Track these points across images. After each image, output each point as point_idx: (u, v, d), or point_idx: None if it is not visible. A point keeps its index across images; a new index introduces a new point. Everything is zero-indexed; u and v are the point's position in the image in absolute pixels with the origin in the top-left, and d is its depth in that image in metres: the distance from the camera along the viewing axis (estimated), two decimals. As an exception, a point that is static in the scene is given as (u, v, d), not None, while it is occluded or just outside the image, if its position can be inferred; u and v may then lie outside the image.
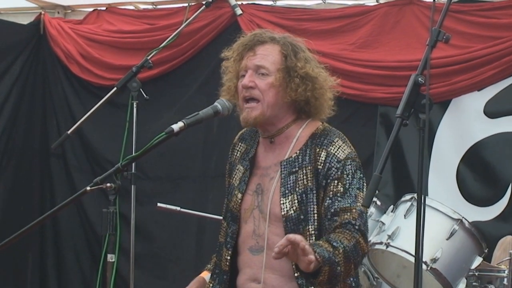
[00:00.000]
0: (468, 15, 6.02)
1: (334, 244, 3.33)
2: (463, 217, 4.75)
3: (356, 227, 3.41)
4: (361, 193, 3.46)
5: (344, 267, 3.34)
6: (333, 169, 3.48)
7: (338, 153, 3.50)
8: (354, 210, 3.42)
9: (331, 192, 3.46)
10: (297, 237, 3.17)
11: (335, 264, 3.30)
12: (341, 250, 3.32)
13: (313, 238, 3.44)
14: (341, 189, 3.45)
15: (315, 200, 3.47)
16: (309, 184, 3.48)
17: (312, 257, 3.18)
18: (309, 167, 3.50)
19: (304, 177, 3.49)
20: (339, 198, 3.44)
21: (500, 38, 5.92)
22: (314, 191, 3.48)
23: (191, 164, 6.91)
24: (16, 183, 7.24)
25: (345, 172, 3.47)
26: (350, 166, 3.49)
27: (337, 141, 3.53)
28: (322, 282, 3.32)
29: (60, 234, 7.25)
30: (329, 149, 3.51)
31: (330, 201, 3.45)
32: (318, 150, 3.52)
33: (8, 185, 7.22)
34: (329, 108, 3.63)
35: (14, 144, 7.22)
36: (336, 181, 3.47)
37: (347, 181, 3.46)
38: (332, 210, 3.43)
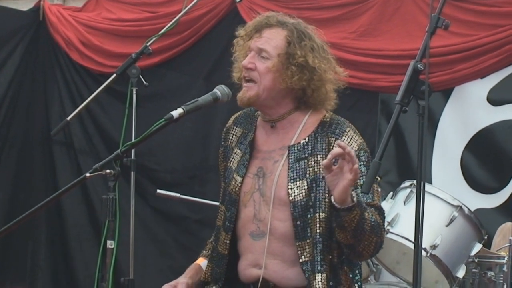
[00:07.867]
0: (469, 4, 6.02)
1: (367, 207, 3.35)
2: (462, 204, 4.75)
3: (382, 217, 3.44)
4: (375, 185, 3.44)
5: (369, 229, 3.33)
6: None
7: (351, 144, 3.49)
8: (375, 204, 3.44)
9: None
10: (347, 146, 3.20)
11: (364, 216, 3.30)
12: (370, 214, 3.34)
13: (323, 225, 3.43)
14: (362, 182, 3.44)
15: (326, 189, 3.44)
16: (321, 172, 3.45)
17: (357, 166, 3.17)
18: (321, 155, 3.49)
19: (316, 164, 3.48)
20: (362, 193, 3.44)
21: (502, 26, 5.92)
22: None
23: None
24: (19, 170, 7.25)
25: (360, 164, 3.43)
26: (363, 157, 3.50)
27: (349, 131, 3.54)
28: (350, 226, 3.29)
29: (64, 221, 7.24)
30: (342, 140, 3.49)
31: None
32: (330, 139, 3.52)
33: (11, 173, 7.22)
34: (331, 100, 3.62)
35: (15, 132, 7.22)
36: None
37: (364, 174, 3.46)
38: None
